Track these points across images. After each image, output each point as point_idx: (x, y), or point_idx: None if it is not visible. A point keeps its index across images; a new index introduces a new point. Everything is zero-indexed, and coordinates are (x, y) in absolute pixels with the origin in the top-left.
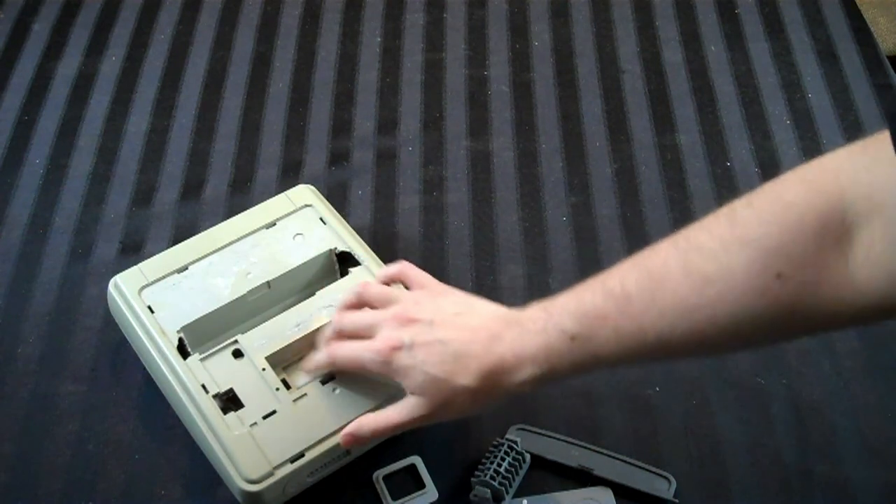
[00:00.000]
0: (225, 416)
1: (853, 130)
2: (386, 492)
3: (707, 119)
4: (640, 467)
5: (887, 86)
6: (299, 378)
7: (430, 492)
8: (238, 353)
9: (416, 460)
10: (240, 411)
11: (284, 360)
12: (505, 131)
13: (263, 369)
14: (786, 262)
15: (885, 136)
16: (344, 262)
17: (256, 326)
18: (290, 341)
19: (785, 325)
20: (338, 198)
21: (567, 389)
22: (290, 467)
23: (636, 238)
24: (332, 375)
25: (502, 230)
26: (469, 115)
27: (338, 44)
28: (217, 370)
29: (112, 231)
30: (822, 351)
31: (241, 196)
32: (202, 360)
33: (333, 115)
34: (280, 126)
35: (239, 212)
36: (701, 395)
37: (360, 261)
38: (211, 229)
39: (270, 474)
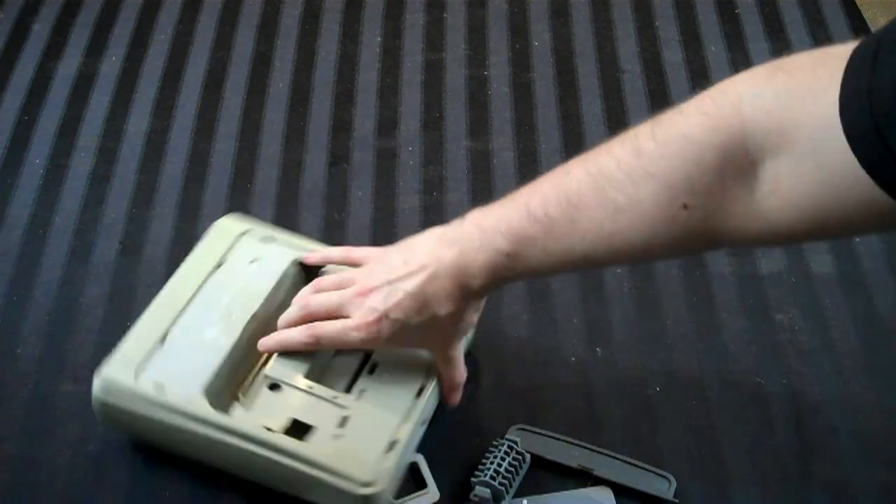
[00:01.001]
0: (305, 442)
1: None
2: None
3: None
4: (640, 467)
5: None
6: (336, 382)
7: (432, 492)
8: (275, 386)
9: (418, 459)
10: (314, 432)
11: (320, 370)
12: (505, 131)
13: (311, 387)
14: (690, 194)
15: (793, 63)
16: (310, 268)
17: (271, 356)
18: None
19: (697, 245)
20: (338, 198)
21: (567, 389)
22: (392, 456)
23: None
24: (375, 364)
25: None
26: (469, 115)
27: (338, 44)
28: (267, 409)
29: (112, 231)
30: (822, 351)
31: (241, 196)
32: (246, 409)
33: (333, 115)
34: (280, 126)
35: (239, 212)
36: (701, 395)
37: None
38: (160, 293)
39: (380, 470)
